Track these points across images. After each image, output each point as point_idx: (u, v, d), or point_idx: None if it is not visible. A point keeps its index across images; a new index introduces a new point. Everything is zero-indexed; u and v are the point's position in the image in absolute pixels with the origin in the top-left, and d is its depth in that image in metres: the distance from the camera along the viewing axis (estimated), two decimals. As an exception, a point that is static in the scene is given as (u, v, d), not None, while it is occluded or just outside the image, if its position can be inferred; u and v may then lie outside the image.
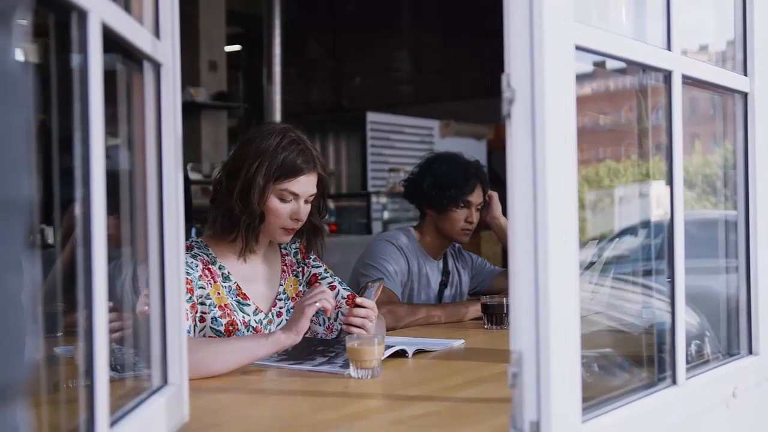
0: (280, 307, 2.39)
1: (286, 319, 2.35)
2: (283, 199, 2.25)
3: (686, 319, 1.63)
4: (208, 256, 2.28)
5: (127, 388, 1.43)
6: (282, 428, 1.59)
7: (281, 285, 2.41)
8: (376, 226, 7.51)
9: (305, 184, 2.27)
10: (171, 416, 1.39)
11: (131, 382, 1.48)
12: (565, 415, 1.23)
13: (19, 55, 0.62)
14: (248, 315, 2.29)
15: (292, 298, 2.42)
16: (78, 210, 1.05)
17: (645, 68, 1.63)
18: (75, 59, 1.05)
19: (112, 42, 1.15)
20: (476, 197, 3.10)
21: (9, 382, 0.60)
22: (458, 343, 2.43)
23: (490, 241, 6.77)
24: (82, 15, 1.03)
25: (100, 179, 1.06)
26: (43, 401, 1.23)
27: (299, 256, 2.48)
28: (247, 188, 2.22)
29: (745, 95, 1.88)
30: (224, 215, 2.27)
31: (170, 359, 1.43)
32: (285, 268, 2.44)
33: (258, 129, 2.33)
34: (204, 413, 1.61)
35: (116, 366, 1.39)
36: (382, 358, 1.99)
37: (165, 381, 1.42)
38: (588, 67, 1.50)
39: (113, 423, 1.14)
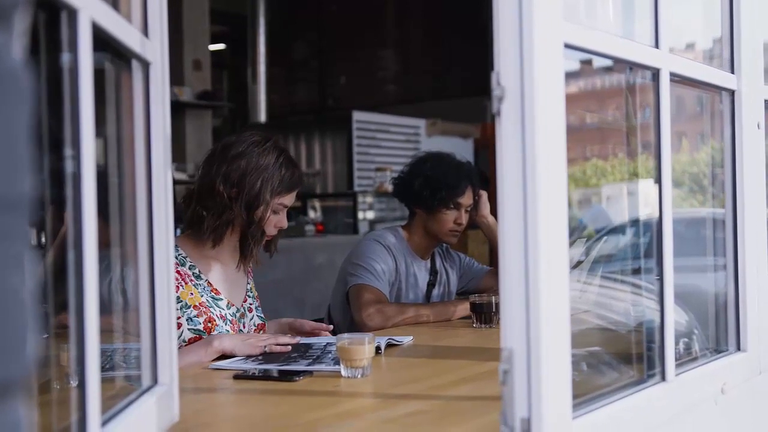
0: (250, 303, 2.52)
1: (257, 315, 2.52)
2: (275, 212, 2.40)
3: (675, 318, 1.63)
4: (176, 257, 2.31)
5: (117, 387, 1.42)
6: (273, 428, 1.59)
7: (248, 284, 2.55)
8: (363, 226, 7.50)
9: (294, 197, 2.45)
10: (161, 416, 1.39)
11: (121, 381, 1.47)
12: (556, 411, 1.23)
13: (20, 54, 0.62)
14: (223, 309, 2.39)
15: (256, 297, 2.57)
16: (68, 211, 1.04)
17: (633, 66, 1.63)
18: (64, 58, 1.04)
19: (101, 40, 1.14)
20: (467, 199, 3.10)
21: (12, 378, 0.60)
22: (407, 340, 2.44)
23: (477, 240, 6.78)
24: (72, 13, 1.02)
25: (91, 179, 1.05)
26: (32, 402, 1.22)
27: (251, 265, 2.62)
28: (252, 203, 2.34)
29: (732, 93, 1.89)
30: (225, 225, 2.35)
31: (160, 359, 1.42)
32: (249, 270, 2.57)
33: (246, 141, 2.39)
34: (194, 413, 1.61)
35: (104, 365, 1.38)
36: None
37: (155, 381, 1.42)
38: (575, 65, 1.51)
39: (104, 423, 1.13)
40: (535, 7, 1.20)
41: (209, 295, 2.36)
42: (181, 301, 2.28)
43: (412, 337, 2.48)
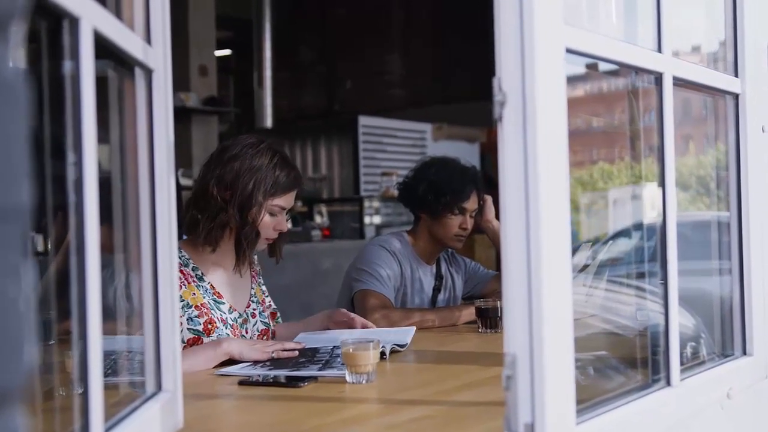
0: (253, 309, 2.52)
1: (260, 321, 2.51)
2: (272, 214, 2.39)
3: (682, 322, 1.63)
4: (180, 258, 2.32)
5: (121, 394, 1.43)
6: (277, 434, 1.59)
7: (252, 289, 2.54)
8: (369, 231, 7.50)
9: (292, 199, 2.44)
10: (165, 423, 1.39)
11: (125, 387, 1.47)
12: (559, 417, 1.23)
13: (17, 63, 0.62)
14: (224, 313, 2.39)
15: (261, 302, 2.56)
16: (71, 217, 1.04)
17: (636, 70, 1.63)
18: (66, 66, 1.05)
19: (103, 48, 1.15)
20: (471, 204, 3.10)
21: (8, 387, 0.60)
22: (411, 332, 2.49)
23: (484, 244, 6.77)
24: (74, 22, 1.02)
25: (93, 186, 1.05)
26: (37, 409, 1.22)
27: (259, 268, 2.63)
28: (245, 204, 2.34)
29: (736, 96, 1.89)
30: (219, 227, 2.35)
31: (164, 366, 1.42)
32: (253, 274, 2.58)
33: (241, 143, 2.40)
34: (198, 420, 1.60)
35: (108, 371, 1.38)
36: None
37: (159, 387, 1.42)
38: (580, 69, 1.51)
39: (107, 429, 1.13)
40: (536, 11, 1.20)
41: (211, 297, 2.36)
42: (183, 300, 2.28)
43: (414, 327, 2.52)
